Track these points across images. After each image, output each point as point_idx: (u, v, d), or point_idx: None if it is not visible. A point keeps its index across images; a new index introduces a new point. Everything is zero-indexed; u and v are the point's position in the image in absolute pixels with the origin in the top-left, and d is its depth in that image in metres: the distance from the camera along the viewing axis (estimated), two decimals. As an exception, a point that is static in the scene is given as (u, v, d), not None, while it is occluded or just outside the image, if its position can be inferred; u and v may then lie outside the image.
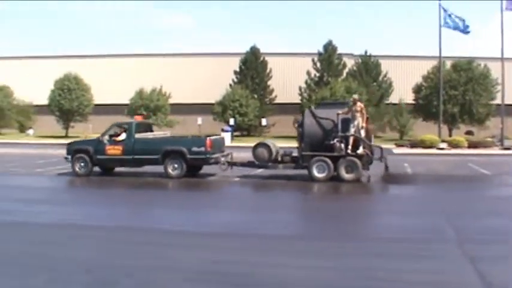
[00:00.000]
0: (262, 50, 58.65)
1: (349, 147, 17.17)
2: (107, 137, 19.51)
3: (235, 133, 50.38)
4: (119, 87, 59.50)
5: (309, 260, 7.94)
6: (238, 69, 57.79)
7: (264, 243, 9.12)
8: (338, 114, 17.43)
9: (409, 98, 51.94)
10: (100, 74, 61.56)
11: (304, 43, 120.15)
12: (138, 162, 19.44)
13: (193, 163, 18.55)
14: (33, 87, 59.11)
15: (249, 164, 18.80)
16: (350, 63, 56.75)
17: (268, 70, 58.19)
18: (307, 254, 8.30)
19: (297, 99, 54.86)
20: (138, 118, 23.26)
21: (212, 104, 53.16)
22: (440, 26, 38.50)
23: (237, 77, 57.57)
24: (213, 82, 58.83)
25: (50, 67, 61.70)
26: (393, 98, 54.02)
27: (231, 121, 47.96)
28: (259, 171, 19.14)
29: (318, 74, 55.35)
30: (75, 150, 19.75)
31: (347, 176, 17.11)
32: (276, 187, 17.61)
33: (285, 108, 55.84)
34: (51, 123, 57.22)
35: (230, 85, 56.19)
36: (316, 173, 17.33)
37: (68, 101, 55.33)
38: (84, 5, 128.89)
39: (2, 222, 10.99)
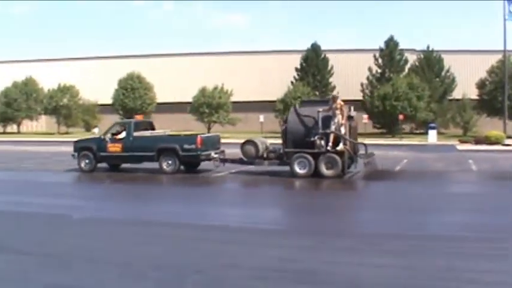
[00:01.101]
0: (323, 47, 62.46)
1: (330, 144, 18.21)
2: (109, 135, 21.51)
3: (297, 130, 52.27)
4: (181, 85, 64.23)
5: (378, 259, 8.10)
6: (299, 67, 61.78)
7: (330, 241, 9.48)
8: (319, 111, 18.51)
9: (473, 93, 53.96)
10: (162, 73, 66.58)
11: (365, 39, 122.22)
12: (136, 159, 21.31)
13: (185, 159, 20.25)
14: (98, 87, 65.23)
15: (238, 161, 20.30)
16: (412, 58, 59.95)
17: (329, 67, 61.95)
18: (374, 252, 8.51)
19: (358, 96, 57.90)
20: (139, 117, 25.74)
21: (274, 102, 56.87)
22: (504, 18, 40.27)
23: (298, 74, 61.47)
24: (275, 79, 62.70)
25: (114, 67, 67.40)
26: (456, 94, 56.88)
27: None
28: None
29: (379, 70, 58.70)
30: (80, 148, 21.80)
31: (327, 172, 18.15)
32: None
33: (347, 105, 57.57)
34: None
35: (292, 82, 59.93)
36: (297, 169, 18.52)
37: (131, 100, 60.72)
38: (146, 6, 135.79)
39: (75, 219, 11.93)
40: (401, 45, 59.07)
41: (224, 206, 14.40)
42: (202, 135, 20.75)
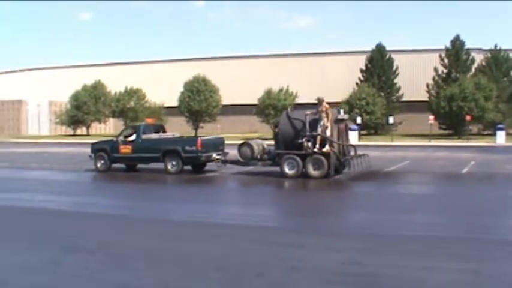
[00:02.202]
0: (388, 47, 65.73)
1: (317, 145, 19.53)
2: (121, 138, 23.71)
3: (362, 132, 54.51)
4: (246, 87, 68.23)
5: (443, 263, 8.21)
6: (364, 68, 65.41)
7: (392, 244, 9.54)
8: (306, 114, 19.94)
9: (544, 93, 54.11)
10: (228, 75, 70.98)
11: (431, 39, 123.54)
12: (144, 160, 23.41)
13: (187, 160, 22.07)
14: (164, 90, 70.90)
15: (236, 162, 21.93)
16: (479, 58, 62.34)
17: (394, 67, 65.36)
18: (440, 256, 8.60)
19: (424, 97, 61.21)
20: (150, 121, 27.32)
21: (339, 103, 58.41)
22: None
23: (363, 75, 65.19)
24: (339, 81, 66.43)
25: (180, 70, 72.23)
26: (526, 93, 58.43)
27: (358, 120, 51.81)
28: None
29: (445, 71, 60.35)
30: (96, 149, 24.16)
31: (314, 172, 19.47)
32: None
33: (412, 106, 62.61)
34: (181, 124, 65.32)
35: (356, 83, 63.59)
36: (287, 169, 19.92)
37: (197, 102, 65.24)
38: (212, 8, 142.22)
39: (138, 219, 12.64)
40: (468, 45, 61.38)
41: (270, 207, 15.23)
42: (202, 138, 22.61)
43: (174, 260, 8.64)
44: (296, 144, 19.93)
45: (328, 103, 20.33)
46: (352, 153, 21.34)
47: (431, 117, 51.71)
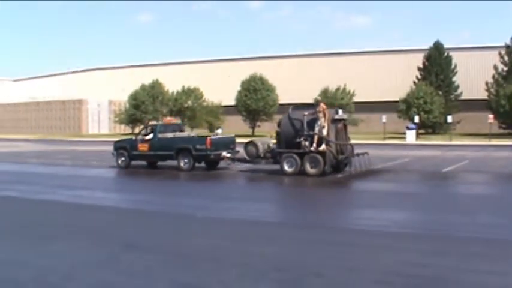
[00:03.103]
0: (446, 45, 66.36)
1: (314, 144, 20.56)
2: (140, 136, 25.50)
3: (420, 131, 55.89)
4: (303, 86, 70.27)
5: (508, 266, 8.30)
6: (422, 66, 66.30)
7: (455, 246, 9.47)
8: (304, 115, 21.05)
9: None
10: (284, 74, 72.38)
11: (490, 36, 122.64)
12: (160, 158, 25.24)
13: (198, 158, 23.68)
14: (222, 89, 73.58)
15: (243, 160, 23.38)
16: (540, 55, 61.83)
17: (452, 65, 66.00)
18: (504, 260, 8.63)
19: (483, 95, 61.51)
20: (167, 120, 30.07)
21: (396, 102, 60.55)
22: None
23: (420, 74, 66.15)
24: (397, 79, 67.44)
25: (237, 69, 73.70)
26: None
27: (416, 119, 52.96)
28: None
29: (505, 68, 60.03)
30: (118, 147, 26.09)
31: (311, 170, 20.57)
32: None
33: (471, 105, 63.32)
34: (238, 123, 70.33)
35: (414, 82, 64.61)
36: (286, 167, 21.10)
37: (254, 101, 67.19)
38: (268, 8, 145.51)
39: (197, 217, 12.78)
40: (529, 41, 61.75)
41: (325, 206, 15.15)
42: (212, 137, 24.26)
43: (233, 259, 8.74)
44: (295, 143, 21.08)
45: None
46: (360, 151, 22.68)
47: (491, 116, 51.82)
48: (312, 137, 20.74)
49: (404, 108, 58.73)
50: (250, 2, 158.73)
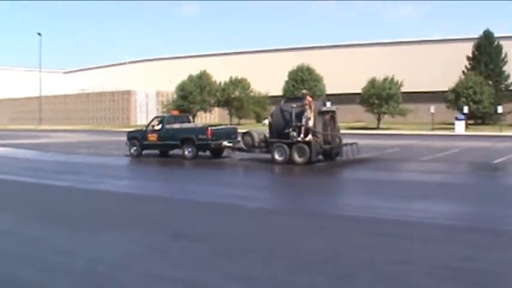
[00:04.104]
0: (496, 34, 66.39)
1: (301, 135, 22.11)
2: (150, 127, 27.90)
3: (469, 121, 56.63)
4: (350, 76, 71.15)
5: None
6: (471, 55, 66.62)
7: (508, 240, 9.46)
8: (292, 107, 22.70)
9: None
10: (331, 64, 73.96)
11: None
12: (166, 147, 27.50)
13: (200, 147, 25.64)
14: (269, 79, 74.49)
15: (240, 149, 25.03)
16: None
17: (503, 55, 66.04)
18: None
19: (535, 86, 61.38)
20: (175, 112, 32.10)
21: (445, 92, 60.82)
22: None
23: (470, 63, 66.46)
24: (445, 69, 68.00)
25: (284, 59, 75.27)
26: None
27: (465, 109, 52.56)
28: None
29: (558, 57, 61.38)
30: (130, 137, 28.42)
31: (298, 159, 22.11)
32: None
33: None
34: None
35: (463, 72, 64.64)
36: (276, 156, 22.74)
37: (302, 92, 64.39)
38: None
39: (248, 208, 13.09)
40: None
41: (369, 196, 14.89)
42: (213, 128, 26.30)
43: (282, 250, 8.80)
44: (285, 133, 22.71)
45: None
46: (343, 141, 24.18)
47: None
48: (299, 128, 22.29)
49: (453, 98, 58.67)
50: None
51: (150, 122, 28.85)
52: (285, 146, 22.55)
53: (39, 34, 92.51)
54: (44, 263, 8.45)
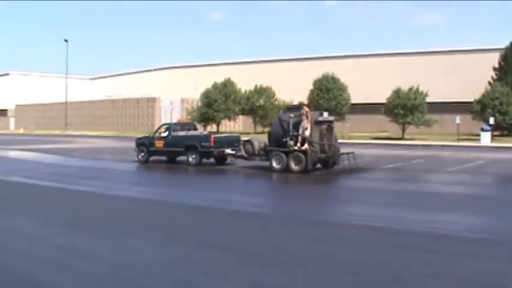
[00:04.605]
0: (523, 44, 66.40)
1: (298, 144, 22.86)
2: (157, 134, 28.96)
3: (495, 133, 56.30)
4: (375, 86, 70.81)
5: None
6: (497, 66, 66.47)
7: None
8: (290, 117, 23.46)
9: None
10: (356, 74, 73.90)
11: None
12: (172, 153, 28.36)
13: (203, 154, 26.47)
14: (293, 88, 75.07)
15: (241, 157, 25.86)
16: None
17: (530, 66, 65.47)
18: None
19: None
20: (182, 120, 32.04)
21: (470, 103, 60.67)
22: None
23: (496, 74, 66.24)
24: (471, 80, 68.14)
25: (309, 68, 75.68)
26: None
27: (491, 120, 52.10)
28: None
29: None
30: (138, 144, 29.45)
31: (295, 167, 22.82)
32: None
33: None
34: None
35: (489, 82, 64.26)
36: (274, 164, 23.49)
37: (326, 101, 68.07)
38: (343, 8, 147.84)
39: (271, 217, 12.93)
40: None
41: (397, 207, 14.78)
42: (215, 136, 27.40)
43: (309, 260, 8.78)
44: (283, 142, 23.47)
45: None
46: (341, 151, 24.91)
47: None
48: (296, 137, 23.04)
49: (478, 109, 58.40)
50: (325, 2, 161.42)
51: (157, 129, 30.04)
52: (283, 155, 23.29)
53: (66, 41, 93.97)
54: (70, 268, 8.53)
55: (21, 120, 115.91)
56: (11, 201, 15.95)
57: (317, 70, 71.30)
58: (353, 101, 69.55)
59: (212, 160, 27.30)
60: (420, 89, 61.52)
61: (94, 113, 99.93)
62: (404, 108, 59.41)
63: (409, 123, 60.63)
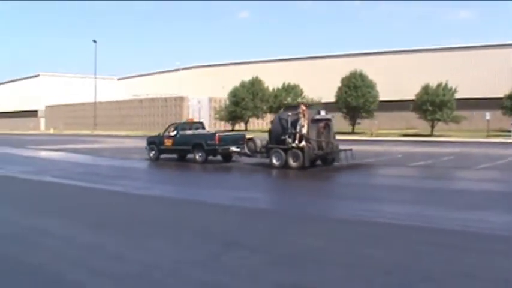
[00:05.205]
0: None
1: (296, 141, 23.81)
2: (167, 133, 30.02)
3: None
4: (403, 83, 70.59)
5: None
6: (529, 61, 64.01)
7: None
8: (288, 115, 24.49)
9: None
10: (384, 71, 73.20)
11: None
12: (180, 151, 29.66)
13: (208, 152, 27.55)
14: (321, 85, 75.45)
15: (245, 154, 26.87)
16: None
17: None
18: None
19: None
20: (190, 120, 34.12)
21: (500, 98, 60.66)
22: None
23: (527, 69, 64.10)
24: (501, 75, 67.92)
25: (337, 65, 75.76)
26: None
27: None
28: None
29: None
30: (149, 142, 30.75)
31: (293, 164, 23.69)
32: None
33: None
34: (338, 120, 68.32)
35: (520, 78, 63.76)
36: (274, 160, 24.41)
37: (354, 98, 68.29)
38: (368, 6, 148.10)
39: (297, 217, 12.76)
40: None
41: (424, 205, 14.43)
42: (220, 134, 28.29)
43: (337, 260, 8.68)
44: (282, 140, 24.43)
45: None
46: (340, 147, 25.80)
47: None
48: (294, 134, 24.04)
49: (508, 104, 58.37)
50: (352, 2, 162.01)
51: (166, 128, 30.92)
52: (281, 152, 24.20)
53: (94, 41, 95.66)
54: (97, 267, 8.51)
55: (51, 121, 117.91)
56: (41, 201, 16.20)
57: (345, 67, 71.42)
58: (381, 98, 69.54)
59: (219, 157, 28.38)
60: (449, 85, 61.49)
61: (122, 112, 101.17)
62: (433, 104, 59.47)
63: (438, 120, 60.67)
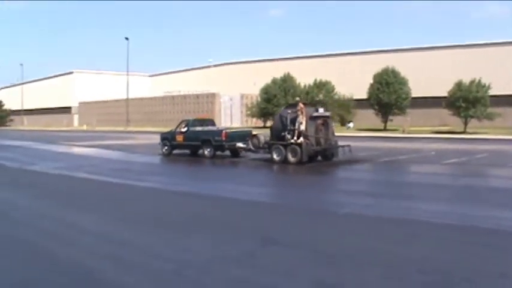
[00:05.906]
0: None
1: (294, 137, 25.02)
2: (178, 129, 31.26)
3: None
4: (436, 79, 70.45)
5: None
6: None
7: None
8: (288, 113, 25.81)
9: None
10: (417, 67, 73.07)
11: None
12: (190, 147, 31.01)
13: (216, 148, 29.01)
14: (353, 82, 75.81)
15: (249, 150, 28.00)
16: None
17: None
18: None
19: None
20: (201, 116, 35.30)
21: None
22: None
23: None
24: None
25: (369, 62, 75.98)
26: None
27: None
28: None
29: None
30: (162, 138, 32.22)
31: (291, 159, 25.00)
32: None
33: None
34: (370, 117, 70.99)
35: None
36: (275, 156, 25.73)
37: (386, 95, 67.81)
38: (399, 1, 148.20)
39: (340, 214, 12.77)
40: None
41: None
42: (227, 131, 29.69)
43: (374, 259, 8.60)
44: (282, 136, 25.76)
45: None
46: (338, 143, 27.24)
47: None
48: (293, 131, 25.27)
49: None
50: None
51: (178, 125, 32.07)
52: (281, 147, 25.53)
53: (127, 39, 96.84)
54: (129, 264, 8.60)
55: (84, 117, 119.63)
56: (75, 197, 16.38)
57: (377, 64, 71.17)
58: (414, 94, 69.09)
59: (228, 153, 29.92)
60: (482, 82, 60.73)
61: (154, 109, 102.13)
62: (466, 101, 58.92)
63: (471, 117, 60.04)
